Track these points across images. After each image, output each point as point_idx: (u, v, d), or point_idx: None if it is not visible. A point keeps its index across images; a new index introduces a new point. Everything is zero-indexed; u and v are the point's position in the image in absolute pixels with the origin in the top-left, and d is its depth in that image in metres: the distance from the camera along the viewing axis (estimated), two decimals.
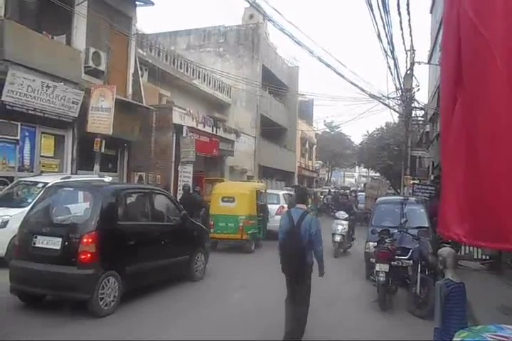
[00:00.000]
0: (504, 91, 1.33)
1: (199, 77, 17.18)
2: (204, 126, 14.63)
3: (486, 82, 1.39)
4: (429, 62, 15.59)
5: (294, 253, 4.03)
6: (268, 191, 13.02)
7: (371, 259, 6.48)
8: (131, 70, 11.44)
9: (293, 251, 4.03)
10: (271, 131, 23.13)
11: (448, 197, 1.75)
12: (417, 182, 13.24)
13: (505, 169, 1.31)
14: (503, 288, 6.44)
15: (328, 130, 40.23)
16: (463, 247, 8.66)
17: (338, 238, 9.81)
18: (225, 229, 9.89)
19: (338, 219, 10.30)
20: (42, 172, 8.64)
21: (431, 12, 16.08)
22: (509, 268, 7.08)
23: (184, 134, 13.09)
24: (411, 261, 6.08)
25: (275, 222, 12.09)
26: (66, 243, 4.78)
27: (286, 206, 12.95)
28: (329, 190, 23.70)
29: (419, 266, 5.72)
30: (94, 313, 4.79)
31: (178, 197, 11.03)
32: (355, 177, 60.77)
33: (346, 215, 10.37)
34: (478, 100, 1.38)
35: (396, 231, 6.75)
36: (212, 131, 15.20)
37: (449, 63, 1.63)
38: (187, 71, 16.35)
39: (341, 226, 10.04)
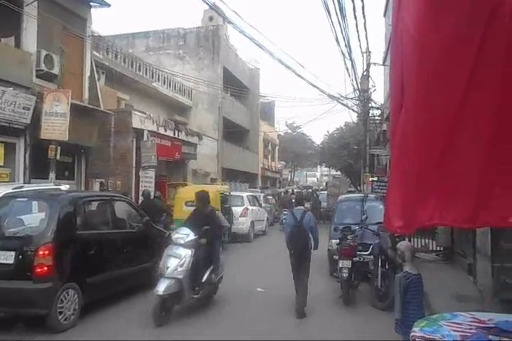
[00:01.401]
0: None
1: (159, 80, 16.88)
2: (165, 130, 14.40)
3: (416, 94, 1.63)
4: (383, 64, 16.22)
5: (300, 240, 5.56)
6: (232, 193, 12.99)
7: (334, 256, 6.60)
8: (87, 73, 11.06)
9: (299, 239, 5.56)
10: (233, 133, 23.13)
11: (392, 191, 1.91)
12: (375, 179, 13.71)
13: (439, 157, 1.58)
14: (457, 277, 6.78)
15: (289, 131, 40.75)
16: (418, 240, 9.06)
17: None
18: None
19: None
20: None
21: (384, 15, 16.73)
22: (461, 257, 7.47)
23: (145, 138, 12.82)
24: (372, 256, 6.26)
25: (240, 224, 12.23)
26: (20, 256, 4.53)
27: (250, 208, 13.02)
28: (292, 190, 24.01)
29: (380, 260, 5.90)
30: (53, 328, 4.56)
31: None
32: (317, 176, 61.95)
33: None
34: (412, 108, 1.65)
35: (357, 227, 6.93)
36: (174, 134, 14.99)
37: (396, 73, 1.74)
38: (146, 74, 16.02)
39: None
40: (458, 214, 1.63)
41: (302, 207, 6.00)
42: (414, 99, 1.64)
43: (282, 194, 22.58)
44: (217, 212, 5.99)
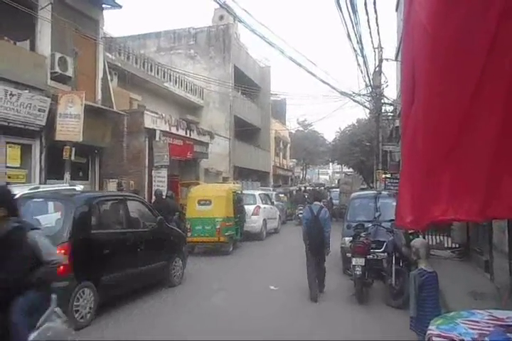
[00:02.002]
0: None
1: (170, 80, 16.98)
2: (177, 130, 14.47)
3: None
4: (396, 59, 16.00)
5: (317, 233, 6.18)
6: (244, 191, 13.02)
7: (347, 254, 6.57)
8: (100, 75, 11.18)
9: (316, 231, 6.18)
10: (245, 132, 23.14)
11: (403, 187, 1.92)
12: (388, 176, 13.55)
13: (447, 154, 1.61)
14: (473, 274, 6.68)
15: (301, 128, 40.56)
16: (433, 237, 8.93)
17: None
18: (202, 233, 9.83)
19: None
20: (8, 183, 8.29)
21: (396, 10, 16.50)
22: (477, 254, 7.34)
23: (157, 138, 12.91)
24: (386, 254, 6.20)
25: (252, 222, 12.26)
26: None
27: (262, 206, 13.03)
28: (305, 188, 23.93)
29: (394, 257, 5.84)
30: (69, 326, 4.62)
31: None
32: (329, 174, 61.58)
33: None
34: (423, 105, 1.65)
35: (370, 225, 6.88)
36: (186, 133, 15.06)
37: (407, 68, 1.74)
38: (158, 74, 16.13)
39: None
40: (470, 207, 1.63)
41: (319, 203, 6.66)
42: (426, 93, 1.63)
43: (294, 192, 22.56)
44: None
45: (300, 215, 17.77)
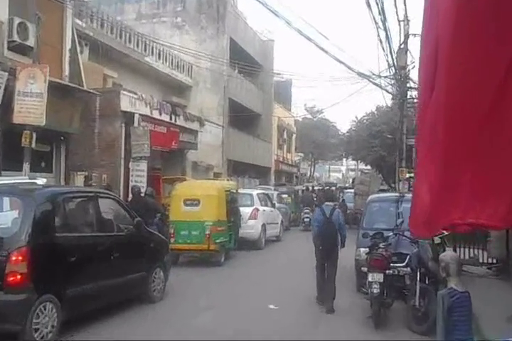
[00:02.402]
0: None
1: (153, 54, 16.92)
2: (160, 114, 14.46)
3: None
4: None
5: (329, 236, 6.77)
6: (240, 191, 13.04)
7: (362, 268, 6.59)
8: (68, 46, 11.12)
9: (329, 235, 6.77)
10: (242, 119, 23.14)
11: (418, 187, 2.00)
12: (413, 175, 13.61)
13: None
14: None
15: (309, 116, 40.61)
16: (466, 250, 8.97)
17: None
18: (189, 239, 9.88)
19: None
20: None
21: None
22: None
23: (136, 124, 12.89)
24: (408, 269, 6.23)
25: (249, 227, 12.30)
26: None
27: (261, 208, 13.07)
28: (313, 187, 24.01)
29: (418, 273, 5.87)
30: None
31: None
32: (342, 171, 61.75)
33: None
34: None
35: (391, 234, 6.90)
36: (171, 119, 15.05)
37: (429, 47, 1.79)
38: (138, 46, 16.06)
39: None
40: (495, 210, 1.66)
41: (331, 204, 7.25)
42: (449, 79, 1.65)
43: (300, 192, 22.59)
44: None
45: (306, 219, 17.75)
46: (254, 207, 12.87)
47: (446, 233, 5.37)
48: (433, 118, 1.76)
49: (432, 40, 1.74)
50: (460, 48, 1.59)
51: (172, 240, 9.64)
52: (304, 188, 23.10)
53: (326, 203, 7.20)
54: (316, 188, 24.34)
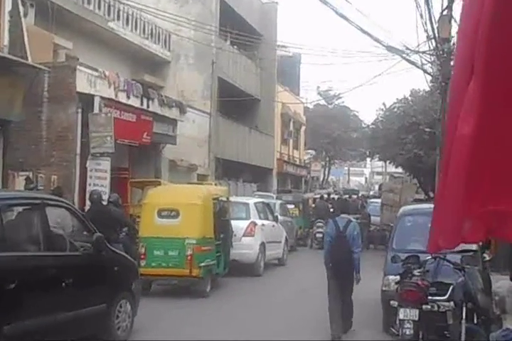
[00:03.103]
0: None
1: (119, 19, 16.91)
2: (128, 97, 14.47)
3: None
4: None
5: (343, 255, 7.17)
6: (232, 199, 13.06)
7: (392, 302, 6.62)
8: (8, 7, 11.12)
9: (341, 253, 7.16)
10: (235, 105, 23.17)
11: (442, 193, 2.23)
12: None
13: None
14: None
15: (323, 102, 40.79)
16: None
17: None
18: (164, 261, 9.89)
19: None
20: None
21: None
22: None
23: (96, 110, 12.88)
24: (452, 303, 6.25)
25: (243, 247, 12.23)
26: None
27: (260, 222, 13.10)
28: (328, 195, 24.03)
29: (464, 310, 5.89)
30: None
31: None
32: (365, 175, 62.00)
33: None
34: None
35: (429, 257, 6.93)
36: (142, 104, 15.07)
37: (470, 27, 1.89)
38: (99, 8, 16.06)
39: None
40: None
41: (346, 216, 7.74)
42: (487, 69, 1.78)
43: (311, 201, 22.61)
44: None
45: (319, 235, 17.89)
46: (250, 220, 12.89)
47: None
48: (465, 116, 1.90)
49: (475, 14, 1.82)
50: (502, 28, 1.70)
51: (143, 263, 9.65)
52: (318, 197, 23.20)
53: (341, 215, 7.78)
54: (332, 197, 24.41)
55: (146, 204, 10.66)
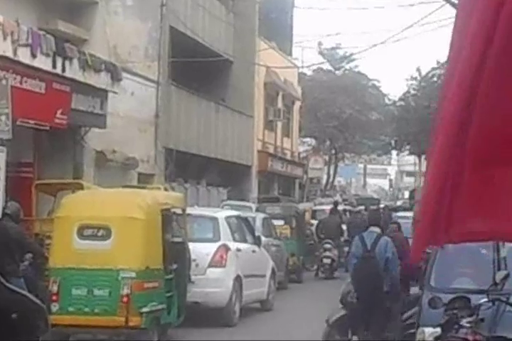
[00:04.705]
0: None
1: None
2: (34, 56, 14.43)
3: None
4: None
5: (369, 280, 7.71)
6: (191, 211, 13.15)
7: None
8: None
9: (368, 278, 7.73)
10: (196, 69, 23.24)
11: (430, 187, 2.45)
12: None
13: None
14: None
15: (328, 66, 40.84)
16: None
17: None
18: (88, 305, 9.92)
19: None
20: None
21: None
22: None
23: None
24: None
25: (209, 284, 12.35)
26: None
27: (233, 246, 13.11)
28: (335, 205, 24.13)
29: None
30: None
31: None
32: (389, 176, 62.37)
33: None
34: None
35: (484, 300, 7.01)
36: (54, 66, 15.04)
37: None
38: None
39: None
40: None
41: (377, 230, 8.55)
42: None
43: (311, 215, 22.58)
44: None
45: (326, 260, 18.97)
46: (220, 242, 12.95)
47: None
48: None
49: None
50: None
51: (55, 307, 9.66)
52: (328, 209, 23.41)
53: (371, 229, 8.59)
54: (343, 208, 24.53)
55: (61, 219, 10.63)
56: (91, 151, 17.32)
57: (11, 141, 12.92)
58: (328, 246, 18.52)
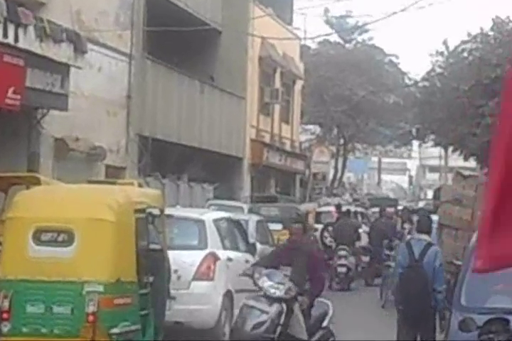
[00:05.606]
0: None
1: None
2: None
3: None
4: None
5: (417, 293, 8.25)
6: (171, 212, 13.24)
7: None
8: None
9: (415, 290, 8.27)
10: (177, 40, 23.28)
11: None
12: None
13: None
14: None
15: (336, 38, 41.01)
16: None
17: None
18: (46, 324, 9.88)
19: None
20: None
21: None
22: None
23: None
24: None
25: (194, 300, 12.51)
26: None
27: (223, 255, 13.14)
28: (337, 208, 24.27)
29: None
30: None
31: None
32: (409, 171, 62.64)
33: None
34: None
35: None
36: (6, 35, 15.12)
37: None
38: None
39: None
40: None
41: (427, 237, 8.96)
42: None
43: (314, 218, 22.69)
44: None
45: (341, 269, 19.37)
46: (206, 250, 13.04)
47: None
48: None
49: None
50: None
51: (6, 327, 9.66)
52: (344, 211, 23.53)
53: (420, 236, 8.96)
54: (354, 210, 24.61)
55: (13, 220, 10.60)
56: (49, 138, 17.35)
57: None
58: (343, 252, 18.93)
